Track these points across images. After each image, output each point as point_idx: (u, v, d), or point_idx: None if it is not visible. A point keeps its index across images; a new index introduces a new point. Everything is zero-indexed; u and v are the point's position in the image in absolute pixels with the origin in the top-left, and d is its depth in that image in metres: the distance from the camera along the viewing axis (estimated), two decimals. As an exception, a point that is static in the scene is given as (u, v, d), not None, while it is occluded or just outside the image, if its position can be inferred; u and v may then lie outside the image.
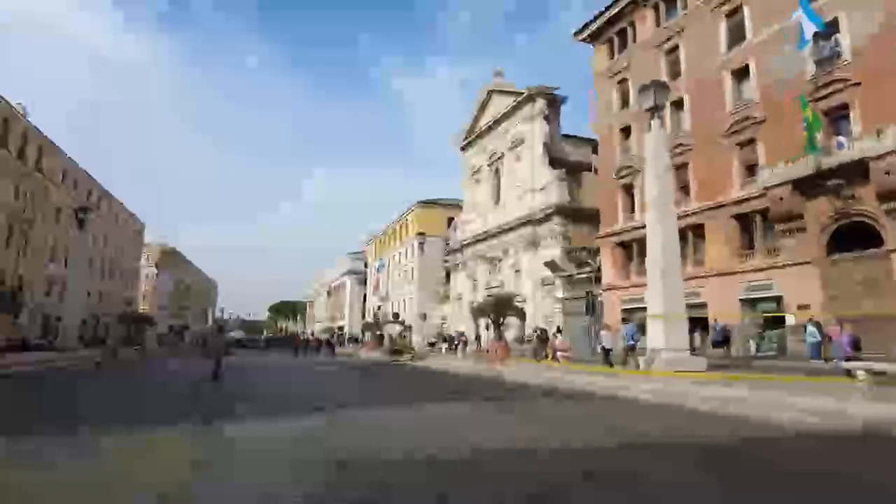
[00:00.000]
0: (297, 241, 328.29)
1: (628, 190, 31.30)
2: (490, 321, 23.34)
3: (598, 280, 33.34)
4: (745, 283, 24.26)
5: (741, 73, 25.18)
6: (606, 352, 18.66)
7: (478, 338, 30.39)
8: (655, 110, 16.10)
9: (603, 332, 19.73)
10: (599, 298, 31.17)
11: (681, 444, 6.89)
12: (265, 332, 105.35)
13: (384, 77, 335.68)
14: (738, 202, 24.78)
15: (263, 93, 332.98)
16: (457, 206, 57.81)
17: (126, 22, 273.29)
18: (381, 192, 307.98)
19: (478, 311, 24.13)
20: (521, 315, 24.20)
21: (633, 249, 30.80)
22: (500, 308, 22.44)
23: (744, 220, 24.88)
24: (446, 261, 56.17)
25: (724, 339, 21.87)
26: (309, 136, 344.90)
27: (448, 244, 55.58)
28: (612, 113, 32.84)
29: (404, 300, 64.44)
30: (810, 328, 16.83)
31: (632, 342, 18.93)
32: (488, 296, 43.55)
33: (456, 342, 29.00)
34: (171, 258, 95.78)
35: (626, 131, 31.95)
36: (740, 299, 24.29)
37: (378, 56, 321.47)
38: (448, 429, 7.97)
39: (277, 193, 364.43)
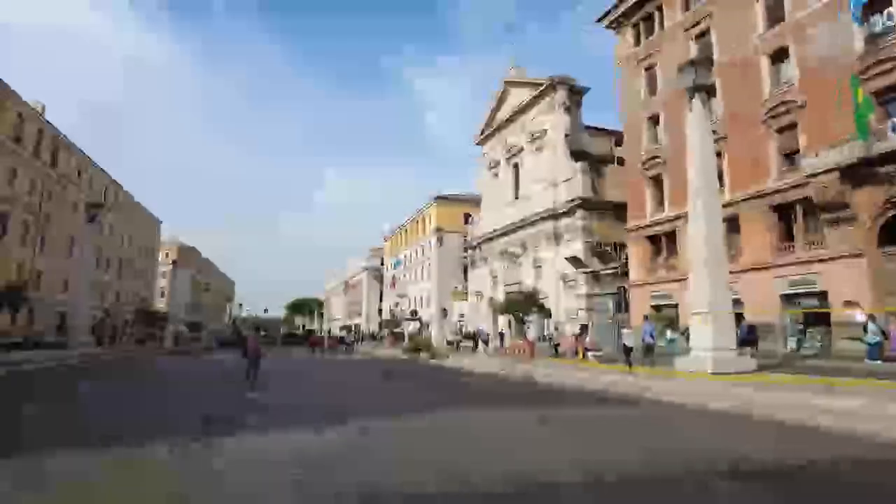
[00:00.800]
0: (306, 240, 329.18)
1: (657, 181, 29.96)
2: (514, 318, 22.27)
3: (624, 275, 32.11)
4: (784, 278, 22.87)
5: (779, 55, 23.70)
6: (628, 350, 17.72)
7: (501, 335, 29.27)
8: (697, 90, 14.90)
9: (625, 330, 18.97)
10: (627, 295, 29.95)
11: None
12: (282, 330, 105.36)
13: (395, 76, 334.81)
14: (777, 192, 23.37)
15: (273, 91, 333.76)
16: (474, 201, 56.72)
17: (136, 20, 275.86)
18: (392, 190, 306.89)
19: (502, 308, 23.06)
20: (547, 312, 23.04)
21: (661, 243, 29.51)
22: (526, 305, 21.34)
23: (783, 211, 23.47)
24: (464, 257, 55.15)
25: (749, 339, 20.37)
26: (319, 135, 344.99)
27: (466, 240, 54.55)
28: (639, 101, 31.48)
29: (421, 297, 63.59)
30: (872, 326, 15.48)
31: (650, 341, 18.10)
32: (508, 293, 42.47)
33: (478, 339, 28.03)
34: (189, 256, 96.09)
35: (653, 120, 30.60)
36: (780, 295, 22.90)
37: (388, 55, 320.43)
38: (479, 450, 6.85)
39: (287, 192, 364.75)
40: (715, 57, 26.59)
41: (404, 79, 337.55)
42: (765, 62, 24.11)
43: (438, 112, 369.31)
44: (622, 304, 22.38)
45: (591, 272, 34.63)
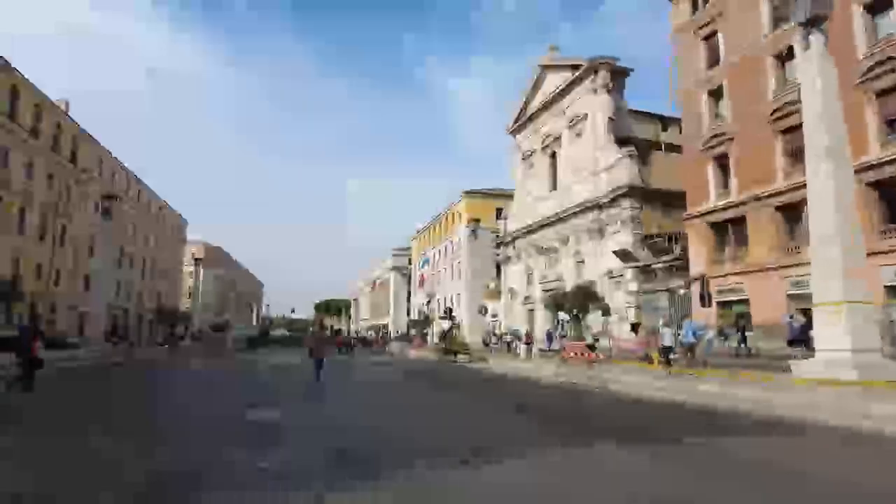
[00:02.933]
0: (335, 241, 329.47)
1: (721, 161, 26.63)
2: (569, 316, 19.33)
3: (680, 270, 28.83)
4: (887, 267, 19.42)
5: (878, 6, 20.29)
6: (667, 351, 15.84)
7: (549, 335, 26.23)
8: (815, 24, 11.82)
9: (665, 330, 16.77)
10: (682, 292, 26.66)
11: None
12: (310, 330, 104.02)
13: (419, 77, 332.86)
14: (875, 166, 19.94)
15: (299, 95, 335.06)
16: (506, 195, 53.77)
17: (160, 21, 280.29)
18: (416, 190, 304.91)
19: (552, 305, 20.14)
20: (606, 309, 20.03)
21: (728, 232, 26.19)
22: (583, 301, 18.39)
23: (883, 189, 20.03)
24: (497, 253, 52.21)
25: (801, 338, 16.91)
26: (341, 137, 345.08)
27: (498, 236, 51.58)
28: (699, 73, 28.15)
29: (451, 296, 60.83)
30: None
31: (693, 340, 16.38)
32: (545, 290, 39.38)
33: (523, 341, 25.13)
34: (215, 256, 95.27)
35: (715, 94, 27.28)
36: (885, 286, 19.45)
37: (415, 56, 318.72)
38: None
39: (309, 194, 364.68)
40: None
41: (427, 80, 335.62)
42: (858, 15, 20.68)
43: (460, 111, 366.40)
44: (709, 298, 19.31)
45: (643, 266, 31.37)
